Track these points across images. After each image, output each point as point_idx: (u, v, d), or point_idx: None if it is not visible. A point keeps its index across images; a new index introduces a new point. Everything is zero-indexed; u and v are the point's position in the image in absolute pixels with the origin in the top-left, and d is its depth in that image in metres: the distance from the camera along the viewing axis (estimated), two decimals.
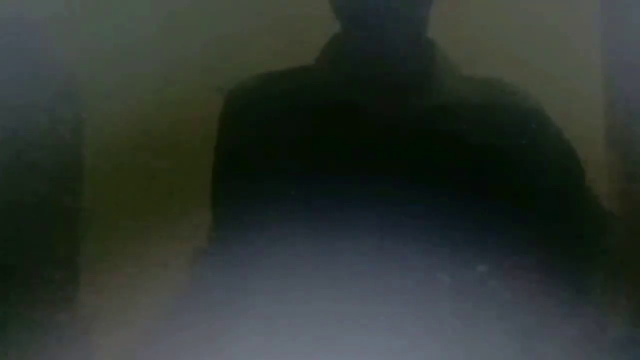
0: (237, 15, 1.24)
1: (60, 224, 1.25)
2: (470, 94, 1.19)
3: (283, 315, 1.12)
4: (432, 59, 1.20)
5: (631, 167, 1.26)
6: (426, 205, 1.12)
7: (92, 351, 1.21)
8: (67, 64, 1.26)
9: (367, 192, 1.12)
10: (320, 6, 1.21)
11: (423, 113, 1.17)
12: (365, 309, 1.10)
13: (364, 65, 1.18)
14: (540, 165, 1.19)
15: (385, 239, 1.11)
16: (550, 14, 1.25)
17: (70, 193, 1.25)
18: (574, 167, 1.21)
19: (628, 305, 1.17)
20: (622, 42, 1.26)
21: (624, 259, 1.21)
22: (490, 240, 1.14)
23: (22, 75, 1.24)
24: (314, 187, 1.14)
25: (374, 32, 1.17)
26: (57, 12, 1.25)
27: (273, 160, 1.16)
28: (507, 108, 1.20)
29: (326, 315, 1.10)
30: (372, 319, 1.10)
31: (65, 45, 1.25)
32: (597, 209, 1.22)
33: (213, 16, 1.24)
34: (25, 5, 1.26)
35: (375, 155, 1.14)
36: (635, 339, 1.15)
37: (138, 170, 1.23)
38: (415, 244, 1.11)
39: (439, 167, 1.15)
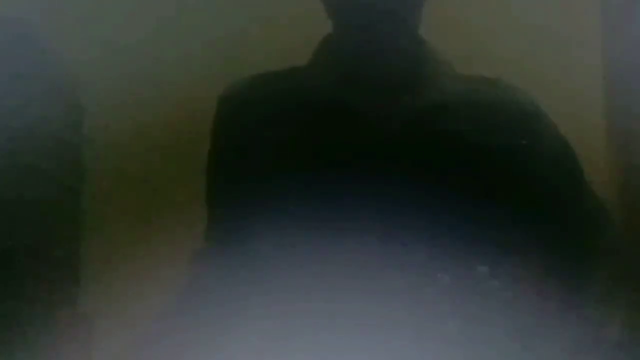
0: (231, 18, 1.24)
1: (60, 224, 1.25)
2: (463, 93, 1.18)
3: (282, 315, 1.12)
4: (424, 57, 1.20)
5: (631, 167, 1.26)
6: (425, 205, 1.11)
7: (92, 351, 1.21)
8: (67, 64, 1.26)
9: (363, 192, 1.12)
10: (312, 6, 1.21)
11: (416, 112, 1.16)
12: (365, 309, 1.10)
13: (357, 64, 1.18)
14: (539, 164, 1.19)
15: (384, 239, 1.11)
16: (550, 14, 1.25)
17: (70, 193, 1.25)
18: (571, 165, 1.21)
19: (628, 304, 1.17)
20: (622, 42, 1.26)
21: (624, 257, 1.21)
22: (490, 240, 1.13)
23: (22, 75, 1.24)
24: (309, 187, 1.13)
25: (366, 31, 1.17)
26: (57, 12, 1.25)
27: (267, 161, 1.16)
28: (502, 106, 1.19)
29: (325, 315, 1.10)
30: (372, 318, 1.09)
31: (65, 45, 1.25)
32: (597, 208, 1.22)
33: (209, 18, 1.25)
34: (25, 5, 1.26)
35: (370, 155, 1.14)
36: (635, 339, 1.15)
37: (137, 171, 1.23)
38: (415, 244, 1.11)
39: (434, 167, 1.14)
